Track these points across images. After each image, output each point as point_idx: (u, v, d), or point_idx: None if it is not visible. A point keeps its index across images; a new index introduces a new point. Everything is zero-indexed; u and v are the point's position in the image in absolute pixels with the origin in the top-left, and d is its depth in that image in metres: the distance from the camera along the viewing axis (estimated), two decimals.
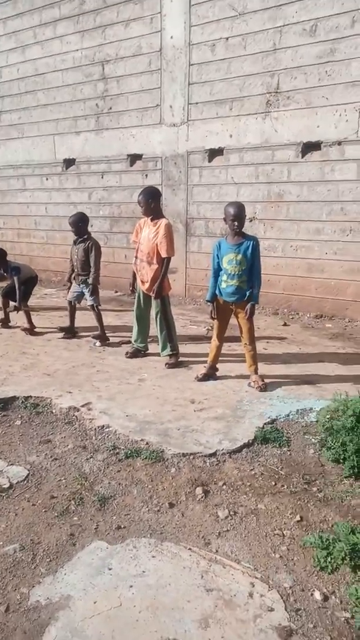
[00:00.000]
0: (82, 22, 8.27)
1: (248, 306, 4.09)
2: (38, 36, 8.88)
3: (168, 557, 2.31)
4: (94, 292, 5.51)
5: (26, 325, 5.96)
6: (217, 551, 2.35)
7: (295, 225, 6.83)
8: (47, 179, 9.37)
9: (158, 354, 4.97)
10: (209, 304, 4.38)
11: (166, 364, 4.80)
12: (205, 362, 4.53)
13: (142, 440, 3.31)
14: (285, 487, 2.86)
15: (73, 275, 5.67)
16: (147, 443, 3.28)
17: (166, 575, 2.19)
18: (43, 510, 2.65)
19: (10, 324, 6.28)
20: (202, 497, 2.75)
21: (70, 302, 5.76)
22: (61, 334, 5.79)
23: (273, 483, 2.89)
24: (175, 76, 7.45)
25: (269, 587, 2.13)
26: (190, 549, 2.36)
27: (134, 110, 7.98)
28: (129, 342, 5.31)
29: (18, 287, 5.86)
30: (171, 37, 7.37)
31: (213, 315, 4.32)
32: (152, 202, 4.62)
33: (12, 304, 6.14)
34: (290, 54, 6.46)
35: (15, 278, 5.88)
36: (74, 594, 2.09)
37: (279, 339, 5.75)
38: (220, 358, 4.48)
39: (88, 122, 8.56)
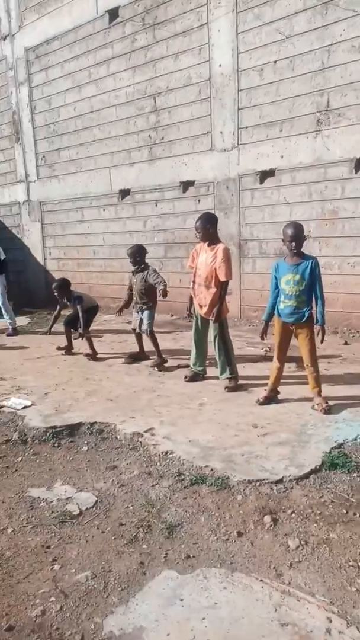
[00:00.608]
0: (133, 59, 8.62)
1: (317, 328, 4.03)
2: (93, 75, 9.33)
3: (239, 588, 2.27)
4: (150, 310, 5.64)
5: (88, 351, 6.14)
6: (289, 583, 2.29)
7: (351, 242, 6.69)
8: (104, 210, 9.72)
9: (217, 378, 4.96)
10: (264, 323, 4.36)
11: (225, 387, 4.78)
12: (265, 384, 4.47)
13: (206, 466, 3.30)
14: (358, 515, 2.75)
15: (132, 304, 5.81)
16: (211, 469, 3.26)
17: (239, 607, 2.15)
18: (112, 538, 2.69)
19: (73, 351, 6.48)
20: (271, 526, 2.69)
21: (134, 330, 5.90)
22: (129, 360, 5.91)
23: (344, 511, 2.79)
24: (224, 103, 7.58)
25: (347, 623, 2.04)
26: (262, 580, 2.31)
27: (186, 139, 8.17)
28: (187, 365, 5.34)
29: (82, 315, 6.07)
30: (219, 66, 7.54)
31: (263, 336, 4.30)
32: (209, 227, 4.69)
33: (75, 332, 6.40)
34: (339, 72, 6.43)
35: (78, 307, 6.10)
36: (147, 625, 2.09)
37: (341, 359, 5.60)
38: (281, 380, 4.41)
39: (141, 153, 8.84)
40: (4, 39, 10.89)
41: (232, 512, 2.85)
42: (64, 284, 6.28)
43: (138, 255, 5.69)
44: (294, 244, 4.01)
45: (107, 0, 8.73)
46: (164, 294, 5.51)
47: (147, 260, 5.84)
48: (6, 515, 2.95)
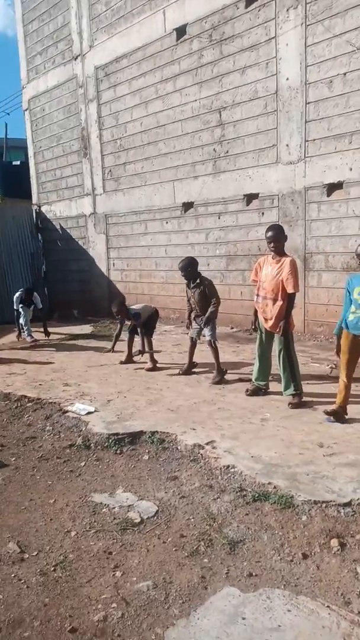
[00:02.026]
0: (200, 74, 8.75)
1: None
2: (159, 91, 9.55)
3: (305, 612, 2.18)
4: (208, 323, 5.59)
5: (150, 365, 6.19)
6: (359, 612, 2.17)
7: None
8: (167, 223, 9.86)
9: (279, 393, 4.86)
10: (336, 337, 4.25)
11: (289, 403, 4.67)
12: (330, 402, 4.33)
13: (269, 483, 3.22)
14: None
15: (193, 316, 5.82)
16: (274, 487, 3.17)
17: (304, 633, 2.06)
18: (173, 549, 2.67)
19: (134, 360, 6.57)
20: (338, 550, 2.58)
21: (192, 339, 5.90)
22: (181, 373, 5.91)
23: None
24: (291, 115, 7.52)
25: None
26: (328, 606, 2.21)
27: (250, 152, 8.17)
28: (249, 379, 5.27)
29: (141, 332, 6.15)
30: (287, 79, 7.50)
31: (336, 350, 4.18)
32: (282, 238, 4.68)
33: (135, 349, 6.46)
34: None
35: (138, 326, 6.21)
36: None
37: None
38: (349, 399, 4.25)
39: (205, 167, 8.92)
40: (75, 58, 11.39)
41: (297, 533, 2.75)
42: (121, 302, 6.39)
43: (190, 267, 5.70)
44: None
45: (175, 19, 8.95)
46: (212, 316, 5.56)
47: (208, 273, 5.84)
48: (70, 518, 3.01)
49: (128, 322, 6.44)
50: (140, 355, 6.22)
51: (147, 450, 3.90)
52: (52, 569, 2.54)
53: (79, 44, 11.24)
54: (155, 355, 6.34)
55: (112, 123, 10.73)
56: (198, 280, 5.68)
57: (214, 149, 8.74)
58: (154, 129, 9.77)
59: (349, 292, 4.06)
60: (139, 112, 10.06)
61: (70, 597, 2.35)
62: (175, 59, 9.13)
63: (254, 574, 2.44)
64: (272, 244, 4.68)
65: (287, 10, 7.31)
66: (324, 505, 2.95)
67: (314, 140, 7.30)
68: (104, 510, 3.08)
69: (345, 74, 6.86)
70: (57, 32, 11.85)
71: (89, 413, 4.61)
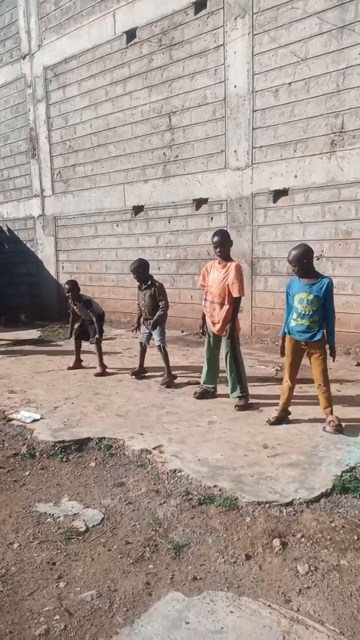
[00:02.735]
0: (150, 78, 8.77)
1: (329, 351, 4.02)
2: (109, 94, 9.50)
3: (247, 613, 2.22)
4: (156, 327, 5.61)
5: (98, 369, 6.13)
6: (298, 610, 2.23)
7: None
8: (117, 225, 9.81)
9: (227, 395, 4.93)
10: (281, 339, 4.36)
11: (236, 405, 4.75)
12: (275, 404, 4.43)
13: (215, 486, 3.26)
14: None
15: (142, 319, 5.82)
16: (220, 489, 3.22)
17: (246, 633, 2.10)
18: (118, 556, 2.65)
19: (83, 364, 6.49)
20: (279, 550, 2.64)
21: (141, 343, 5.89)
22: (132, 377, 5.90)
23: (355, 537, 2.73)
24: (239, 122, 7.67)
25: None
26: (269, 605, 2.26)
27: (200, 157, 8.26)
28: (197, 382, 5.32)
29: (95, 319, 6.16)
30: (235, 86, 7.64)
31: (281, 351, 4.31)
32: (227, 244, 4.75)
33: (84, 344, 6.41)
34: (354, 94, 6.48)
35: (89, 311, 6.17)
36: None
37: (353, 381, 5.54)
38: (292, 400, 4.37)
39: (156, 171, 8.94)
40: (24, 57, 11.15)
41: (241, 534, 2.80)
42: (76, 282, 6.36)
43: (141, 269, 5.69)
44: (295, 267, 4.06)
45: (125, 22, 8.93)
46: (160, 319, 5.59)
47: (159, 276, 5.86)
48: (13, 530, 2.93)
49: (75, 307, 6.30)
50: (96, 343, 6.20)
51: (94, 457, 3.86)
52: None
53: (27, 43, 11.02)
54: (105, 360, 6.28)
55: (62, 124, 10.57)
56: (149, 282, 5.68)
57: (164, 153, 8.78)
58: (104, 131, 9.70)
59: (289, 296, 4.18)
60: (88, 114, 9.96)
61: (11, 612, 2.29)
62: (126, 62, 9.12)
63: (198, 577, 2.47)
64: (217, 249, 4.75)
65: (235, 19, 7.46)
66: (267, 505, 3.02)
67: (261, 147, 7.48)
68: (48, 520, 3.03)
69: (290, 83, 7.07)
70: (5, 30, 11.56)
71: (34, 421, 4.51)
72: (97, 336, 6.21)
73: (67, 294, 6.37)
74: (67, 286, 6.31)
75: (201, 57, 8.01)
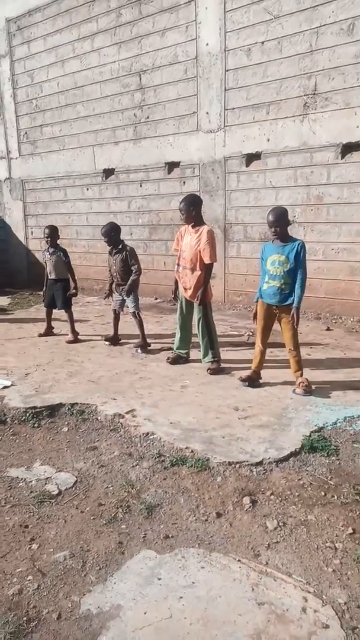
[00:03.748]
0: (118, 34, 8.41)
1: (293, 311, 4.03)
2: (77, 50, 9.08)
3: (217, 568, 2.29)
4: (130, 293, 5.55)
5: (70, 337, 6.06)
6: (267, 563, 2.31)
7: (336, 228, 6.70)
8: (87, 189, 9.55)
9: (199, 361, 4.96)
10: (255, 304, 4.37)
11: (208, 369, 4.79)
12: (247, 368, 4.49)
13: (187, 448, 3.30)
14: (336, 497, 2.78)
15: (114, 285, 5.74)
16: (192, 451, 3.26)
17: (216, 587, 2.17)
18: (91, 518, 2.68)
19: (54, 332, 6.41)
20: (249, 507, 2.71)
21: (114, 311, 5.83)
22: (106, 343, 5.86)
23: (322, 493, 2.82)
24: (211, 83, 7.46)
25: (323, 602, 2.07)
26: (239, 560, 2.33)
27: (171, 119, 8.04)
28: (170, 348, 5.33)
29: (69, 267, 6.08)
30: (207, 44, 7.40)
31: (253, 316, 4.33)
32: (193, 209, 4.63)
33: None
34: (327, 55, 6.36)
35: (66, 261, 6.07)
36: (124, 603, 2.10)
37: (322, 345, 5.64)
38: (263, 364, 4.43)
39: (126, 132, 8.69)
40: None
41: (212, 494, 2.86)
42: (56, 228, 6.19)
43: (113, 232, 5.57)
44: (274, 229, 4.01)
45: None
46: (134, 284, 5.50)
47: (131, 242, 5.75)
48: None
49: (51, 256, 6.12)
50: (75, 295, 6.20)
51: (66, 423, 3.86)
52: None
53: None
54: (77, 327, 6.21)
55: (27, 82, 10.10)
56: (120, 247, 5.58)
57: (134, 113, 8.52)
58: (72, 90, 9.32)
59: (263, 261, 4.18)
60: (55, 71, 9.53)
61: None
62: (93, 17, 8.69)
63: (170, 535, 2.52)
64: (182, 215, 4.69)
65: None
66: (237, 465, 3.08)
67: (233, 109, 7.32)
68: (20, 484, 3.02)
69: (263, 42, 6.88)
70: None
71: (4, 387, 4.45)
72: (72, 291, 6.08)
73: (45, 239, 6.17)
74: (47, 230, 6.11)
75: (172, 12, 7.69)
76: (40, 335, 6.32)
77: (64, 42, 9.22)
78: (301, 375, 4.19)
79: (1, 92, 10.63)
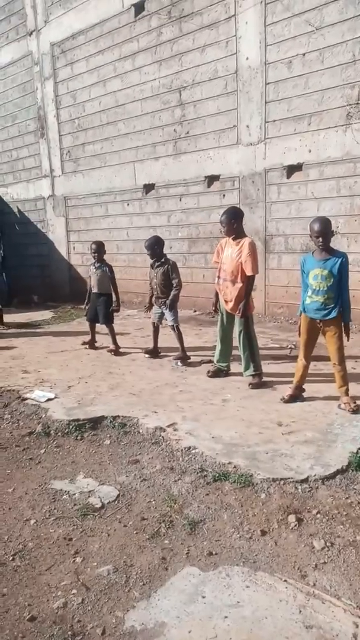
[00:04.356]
0: (159, 52, 8.58)
1: (343, 327, 3.95)
2: (118, 69, 9.32)
3: (263, 588, 2.22)
4: (172, 308, 5.56)
5: (112, 346, 6.14)
6: (314, 585, 2.23)
7: None
8: (128, 205, 9.72)
9: (240, 374, 4.90)
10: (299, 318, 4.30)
11: (249, 384, 4.72)
12: (289, 382, 4.40)
13: (229, 463, 3.26)
14: None
15: (153, 298, 5.78)
16: (234, 466, 3.21)
17: (262, 607, 2.11)
18: (134, 532, 2.67)
19: (97, 345, 6.49)
20: (295, 526, 2.63)
21: (154, 324, 5.87)
22: (146, 355, 5.90)
23: None
24: (251, 96, 7.48)
25: None
26: (285, 580, 2.26)
27: (211, 133, 8.10)
28: (210, 361, 5.30)
29: (113, 281, 6.20)
30: (247, 59, 7.44)
31: (298, 330, 4.25)
32: (234, 222, 4.63)
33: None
34: None
35: (111, 276, 6.20)
36: (168, 621, 2.06)
37: None
38: (306, 378, 4.33)
39: (166, 148, 8.80)
40: (30, 34, 10.97)
41: (256, 510, 2.80)
42: (102, 244, 6.37)
43: (156, 245, 5.63)
44: (320, 239, 3.92)
45: None
46: (175, 299, 5.52)
47: (170, 256, 5.79)
48: (29, 506, 2.96)
49: (96, 271, 6.25)
50: (117, 311, 6.30)
51: (108, 435, 3.88)
52: (11, 558, 2.50)
53: (34, 18, 10.82)
54: (118, 340, 6.28)
55: (70, 102, 10.43)
56: (163, 260, 5.63)
57: (174, 129, 8.63)
58: (113, 109, 9.55)
59: (304, 274, 4.10)
60: (97, 91, 9.80)
61: (29, 586, 2.32)
62: (134, 36, 8.91)
63: (213, 552, 2.47)
64: (223, 227, 4.69)
65: None
66: (282, 482, 3.00)
67: (274, 121, 7.30)
68: (64, 497, 3.05)
69: (304, 54, 6.86)
70: (9, 6, 11.36)
71: (48, 400, 4.53)
72: (115, 307, 6.18)
73: (92, 254, 6.32)
74: (94, 246, 6.27)
75: (212, 28, 7.79)
76: (84, 343, 6.44)
77: (106, 62, 9.49)
78: (347, 391, 4.07)
79: (45, 113, 11.01)
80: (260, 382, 4.71)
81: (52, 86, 10.70)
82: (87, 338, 6.52)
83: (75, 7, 9.81)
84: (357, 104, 6.46)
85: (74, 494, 3.06)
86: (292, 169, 7.24)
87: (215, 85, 7.91)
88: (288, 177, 7.30)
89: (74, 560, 2.47)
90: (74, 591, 2.26)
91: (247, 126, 7.61)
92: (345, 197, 6.76)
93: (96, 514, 2.84)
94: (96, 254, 6.23)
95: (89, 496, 3.03)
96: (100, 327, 6.47)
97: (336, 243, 6.61)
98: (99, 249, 6.25)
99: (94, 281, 6.25)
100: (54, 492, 3.10)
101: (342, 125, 6.63)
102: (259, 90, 7.38)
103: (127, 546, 2.56)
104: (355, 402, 3.98)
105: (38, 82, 11.04)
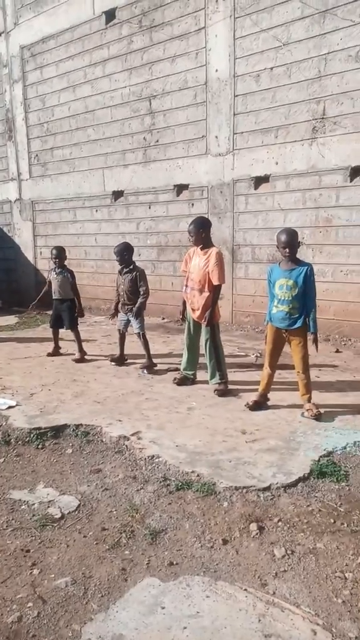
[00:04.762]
0: (129, 60, 8.60)
1: (311, 337, 4.02)
2: (88, 75, 9.29)
3: (223, 597, 2.21)
4: (138, 315, 5.54)
5: (77, 355, 6.05)
6: (274, 593, 2.23)
7: (345, 250, 6.69)
8: (96, 211, 9.66)
9: (206, 382, 4.91)
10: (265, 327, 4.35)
11: (215, 390, 4.74)
12: (255, 390, 4.43)
13: (192, 472, 3.24)
14: (346, 525, 2.70)
15: (119, 305, 5.74)
16: (198, 475, 3.20)
17: (221, 617, 2.09)
18: (94, 543, 2.62)
19: (61, 351, 6.39)
20: (256, 534, 2.64)
21: (119, 331, 5.82)
22: (112, 363, 5.84)
23: (332, 521, 2.74)
24: (220, 107, 7.57)
25: (333, 636, 1.98)
26: (246, 589, 2.25)
27: (180, 142, 8.16)
28: (177, 369, 5.29)
29: (75, 289, 6.11)
30: (216, 70, 7.54)
31: (265, 339, 4.29)
32: (202, 231, 4.66)
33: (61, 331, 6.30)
34: (335, 80, 6.45)
35: (72, 282, 6.09)
36: (127, 633, 2.02)
37: (332, 367, 5.57)
38: (271, 387, 4.37)
39: (136, 155, 8.81)
40: None
41: (218, 519, 2.79)
42: (64, 249, 6.27)
43: (126, 252, 5.61)
44: (287, 250, 3.99)
45: (104, 1, 8.72)
46: (142, 306, 5.51)
47: (139, 263, 5.77)
48: None
49: (57, 276, 6.14)
50: (80, 316, 6.23)
51: (70, 444, 3.81)
52: None
53: (3, 20, 10.69)
54: (84, 346, 6.20)
55: (39, 106, 10.32)
56: (131, 267, 5.60)
57: (144, 137, 8.65)
58: (83, 114, 9.51)
59: (271, 284, 4.15)
60: (66, 96, 9.74)
61: None
62: (105, 43, 8.91)
63: (174, 562, 2.44)
64: (191, 237, 4.72)
65: (217, 1, 7.33)
66: (244, 490, 3.01)
67: (242, 133, 7.41)
68: (22, 507, 2.97)
69: (272, 68, 7.00)
70: None
71: (9, 407, 4.42)
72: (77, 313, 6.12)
73: (53, 260, 6.21)
74: (54, 251, 6.17)
75: (182, 39, 7.87)
76: (49, 354, 6.31)
77: (76, 67, 9.45)
78: (309, 399, 4.13)
79: (14, 116, 10.87)
80: (225, 390, 4.72)
81: (21, 89, 10.57)
82: (51, 346, 6.39)
83: (46, 11, 9.75)
84: (322, 118, 6.62)
85: (33, 504, 2.99)
86: (259, 180, 7.35)
87: (185, 96, 7.98)
88: (255, 188, 7.40)
89: (31, 572, 2.40)
90: (30, 604, 2.20)
91: (216, 137, 7.69)
92: (311, 209, 6.90)
93: (55, 524, 2.78)
94: (57, 260, 6.15)
95: (48, 506, 2.96)
96: (64, 334, 6.37)
97: (302, 254, 6.71)
98: (60, 254, 6.16)
99: (55, 287, 6.16)
100: (12, 502, 3.02)
101: (308, 139, 6.78)
102: (227, 102, 7.48)
103: (86, 557, 2.51)
104: (317, 409, 4.04)
105: (7, 84, 10.89)
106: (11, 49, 10.61)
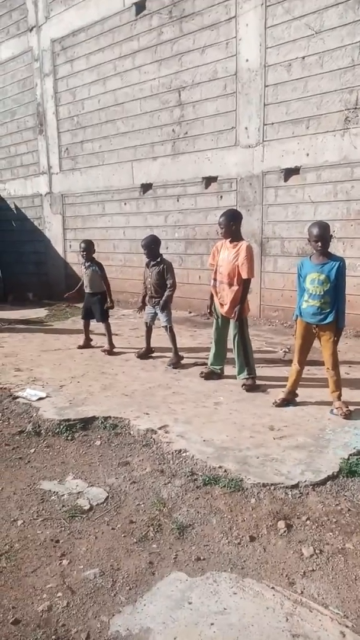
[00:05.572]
0: (159, 52, 8.54)
1: (334, 331, 3.94)
2: (118, 68, 9.27)
3: (250, 595, 2.21)
4: (165, 308, 5.54)
5: (106, 346, 6.12)
6: (302, 592, 2.22)
7: None
8: (125, 204, 9.68)
9: (234, 377, 4.89)
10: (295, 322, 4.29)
11: (243, 385, 4.71)
12: (283, 386, 4.39)
13: (220, 467, 3.24)
14: None
15: (147, 298, 5.75)
16: (225, 470, 3.19)
17: (248, 614, 2.09)
18: (122, 535, 2.64)
19: (92, 344, 6.46)
20: (284, 532, 2.62)
21: (146, 324, 5.84)
22: (138, 357, 5.87)
23: None
24: (250, 98, 7.47)
25: None
26: (273, 587, 2.25)
27: (210, 134, 8.08)
28: (204, 363, 5.28)
29: (105, 279, 6.16)
30: (246, 60, 7.42)
31: (295, 334, 4.23)
32: (233, 224, 4.61)
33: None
34: None
35: (101, 275, 6.14)
36: (154, 627, 2.04)
37: None
38: (300, 383, 4.32)
39: (165, 148, 8.78)
40: (30, 30, 10.90)
41: (245, 516, 2.78)
42: (92, 243, 6.33)
43: (153, 245, 5.60)
44: (319, 243, 3.91)
45: None
46: (168, 299, 5.51)
47: (167, 256, 5.76)
48: (17, 507, 2.93)
49: (87, 270, 6.24)
50: (111, 308, 6.26)
51: (99, 436, 3.85)
52: None
53: (34, 14, 10.76)
54: (113, 340, 6.25)
55: (69, 99, 10.38)
56: (158, 259, 5.60)
57: (173, 129, 8.60)
58: (112, 107, 9.51)
59: (301, 278, 4.09)
60: (96, 89, 9.76)
61: (14, 588, 2.29)
62: (135, 35, 8.88)
63: (201, 557, 2.45)
64: (221, 229, 4.67)
65: None
66: (272, 487, 2.99)
67: (272, 124, 7.29)
68: (52, 497, 3.02)
69: (304, 57, 6.85)
70: (11, 1, 11.29)
71: (40, 399, 4.50)
72: (109, 304, 6.17)
73: (81, 253, 6.28)
74: (82, 245, 6.23)
75: (212, 29, 7.77)
76: (80, 347, 6.39)
77: (106, 60, 9.44)
78: (339, 396, 4.06)
79: (44, 110, 10.96)
80: (253, 385, 4.69)
81: (52, 83, 10.65)
82: (82, 338, 6.47)
83: (76, 4, 9.76)
84: (355, 108, 6.46)
85: (63, 495, 3.04)
86: (289, 172, 7.23)
87: (215, 86, 7.89)
88: (285, 180, 7.29)
89: (61, 563, 2.44)
90: (60, 594, 2.24)
91: (246, 128, 7.59)
92: (342, 202, 6.75)
93: (84, 515, 2.82)
94: (85, 253, 6.20)
95: (77, 497, 3.01)
96: (94, 327, 6.44)
97: (332, 247, 6.57)
98: (88, 247, 6.22)
99: (86, 281, 6.24)
100: (43, 493, 3.08)
101: (340, 130, 6.62)
102: (258, 92, 7.36)
103: (114, 549, 2.54)
104: (347, 407, 3.97)
105: (38, 78, 10.98)
106: (42, 42, 10.67)
